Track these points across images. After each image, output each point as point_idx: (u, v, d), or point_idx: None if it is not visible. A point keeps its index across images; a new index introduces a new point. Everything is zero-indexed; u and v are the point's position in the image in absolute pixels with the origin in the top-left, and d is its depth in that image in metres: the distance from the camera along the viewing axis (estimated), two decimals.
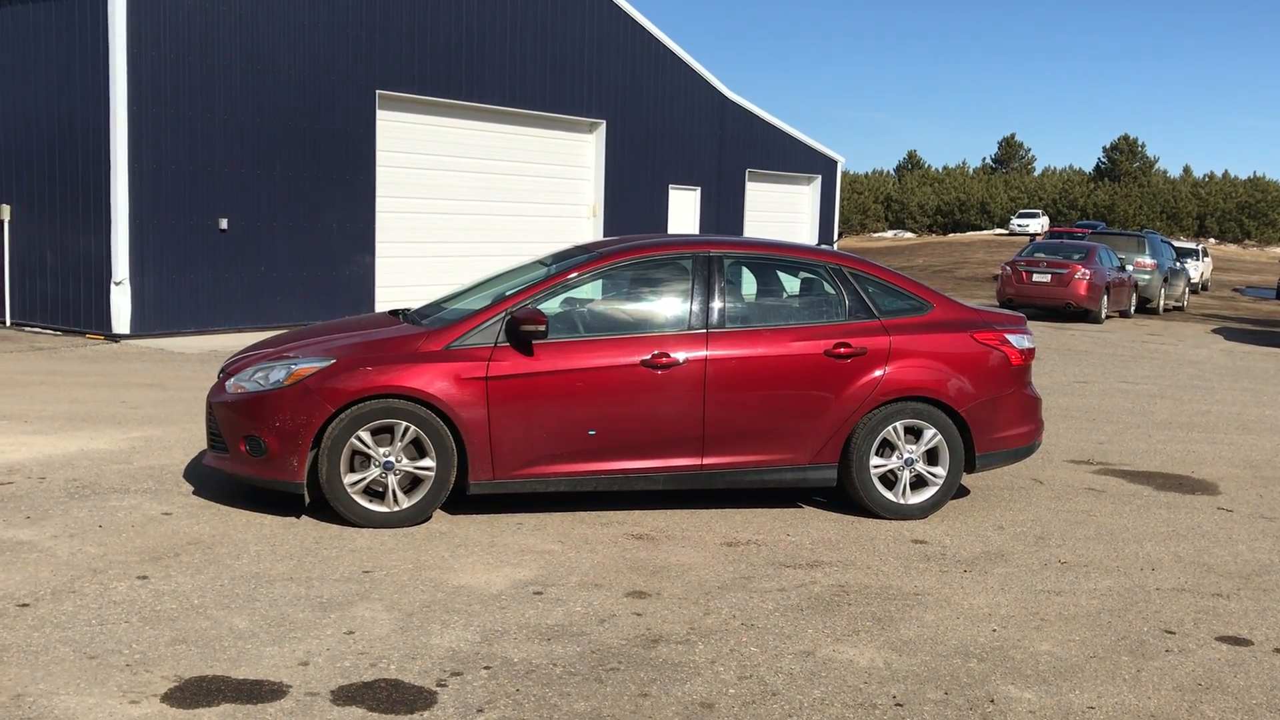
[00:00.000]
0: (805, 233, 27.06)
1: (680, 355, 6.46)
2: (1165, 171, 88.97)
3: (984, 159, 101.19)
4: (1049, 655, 4.72)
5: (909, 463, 6.79)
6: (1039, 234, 59.79)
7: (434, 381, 6.12)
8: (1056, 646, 4.82)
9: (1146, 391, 12.90)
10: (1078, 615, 5.23)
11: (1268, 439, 10.11)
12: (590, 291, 6.85)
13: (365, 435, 6.09)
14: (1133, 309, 24.44)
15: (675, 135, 22.39)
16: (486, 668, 4.34)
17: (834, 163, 27.30)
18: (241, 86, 14.69)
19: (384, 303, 16.75)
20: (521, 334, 6.22)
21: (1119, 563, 6.11)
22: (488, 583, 5.33)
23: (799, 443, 6.66)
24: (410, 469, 6.16)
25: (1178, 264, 28.54)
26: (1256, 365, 16.58)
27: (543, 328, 6.21)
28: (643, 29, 21.18)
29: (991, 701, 4.23)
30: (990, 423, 6.93)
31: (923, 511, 6.83)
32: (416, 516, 6.21)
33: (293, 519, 6.24)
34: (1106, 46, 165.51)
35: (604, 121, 20.42)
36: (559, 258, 7.32)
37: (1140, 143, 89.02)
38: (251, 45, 14.75)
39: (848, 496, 6.90)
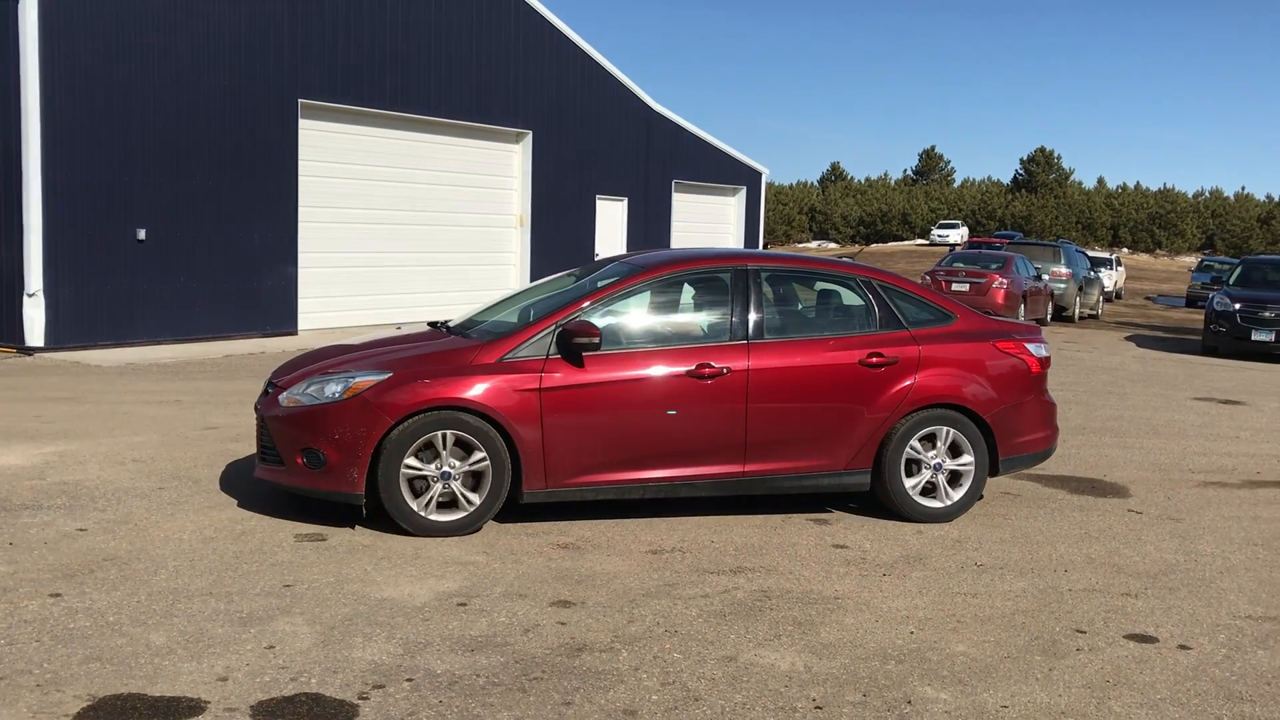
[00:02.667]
0: (731, 243, 27.29)
1: (723, 366, 6.65)
2: (1080, 183, 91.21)
3: (905, 171, 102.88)
4: (965, 656, 4.83)
5: (938, 468, 7.03)
6: (959, 244, 60.90)
7: (490, 393, 6.23)
8: (972, 647, 4.94)
9: (1061, 398, 13.21)
10: (993, 616, 5.36)
11: (1176, 443, 10.43)
12: (633, 305, 6.93)
13: (423, 445, 6.19)
14: (1049, 317, 25.02)
15: (602, 146, 22.47)
16: (409, 680, 4.32)
17: (758, 174, 27.59)
18: (159, 95, 14.43)
19: (308, 314, 16.58)
20: (574, 346, 6.37)
21: (1033, 564, 6.27)
22: (411, 595, 5.30)
23: (835, 449, 6.88)
24: (469, 468, 6.26)
25: (1092, 273, 29.31)
26: (1167, 371, 17.09)
27: (596, 340, 6.38)
28: (569, 40, 21.24)
29: (909, 703, 4.32)
30: (1012, 428, 7.21)
31: (952, 514, 7.09)
32: (473, 524, 6.34)
33: (211, 534, 6.15)
34: (1024, 60, 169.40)
35: (530, 132, 20.42)
36: (590, 271, 7.56)
37: (1056, 155, 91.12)
38: (169, 53, 14.51)
39: (878, 502, 7.16)
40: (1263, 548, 6.86)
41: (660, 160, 24.26)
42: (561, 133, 21.22)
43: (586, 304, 6.65)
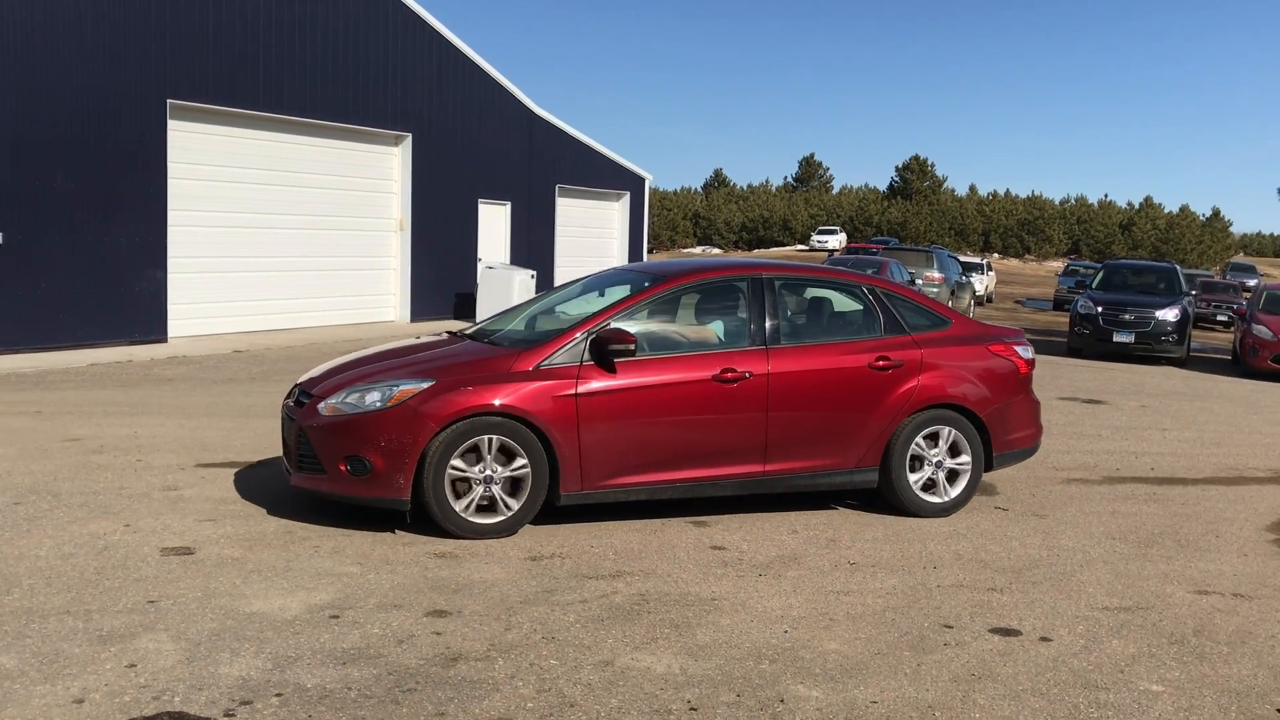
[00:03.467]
0: (616, 248, 27.39)
1: (745, 370, 6.95)
2: (953, 190, 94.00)
3: (786, 177, 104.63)
4: (837, 654, 4.92)
5: (939, 465, 7.47)
6: (837, 249, 62.22)
7: (529, 399, 6.45)
8: (844, 645, 5.04)
9: None
10: (864, 614, 5.48)
11: (1042, 441, 10.79)
12: (658, 313, 7.21)
13: (466, 453, 6.36)
14: None
15: (484, 150, 22.31)
16: (278, 695, 4.22)
17: (642, 180, 27.73)
18: (15, 93, 13.82)
19: (180, 320, 16.05)
20: (609, 352, 6.62)
21: (904, 562, 6.43)
22: (282, 608, 5.18)
23: (846, 449, 7.26)
24: (510, 474, 6.46)
25: (964, 277, 30.23)
26: (1034, 372, 17.67)
27: (632, 346, 6.63)
28: (448, 43, 21.03)
29: (781, 701, 4.38)
30: (1005, 426, 7.71)
31: (953, 508, 7.53)
32: (513, 527, 6.53)
33: (71, 550, 5.91)
34: (900, 70, 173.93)
35: (410, 135, 20.16)
36: (604, 282, 7.98)
37: (930, 163, 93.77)
38: (25, 49, 13.90)
39: (883, 498, 7.56)
40: (1120, 541, 7.16)
41: (544, 165, 24.20)
42: (442, 136, 21.00)
43: (617, 312, 6.91)
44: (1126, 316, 20.22)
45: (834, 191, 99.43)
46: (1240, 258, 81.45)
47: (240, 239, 17.28)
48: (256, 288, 17.64)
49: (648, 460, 6.75)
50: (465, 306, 21.60)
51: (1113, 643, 5.24)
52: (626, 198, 27.33)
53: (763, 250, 78.01)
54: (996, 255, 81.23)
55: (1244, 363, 19.34)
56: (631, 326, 6.90)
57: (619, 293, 7.43)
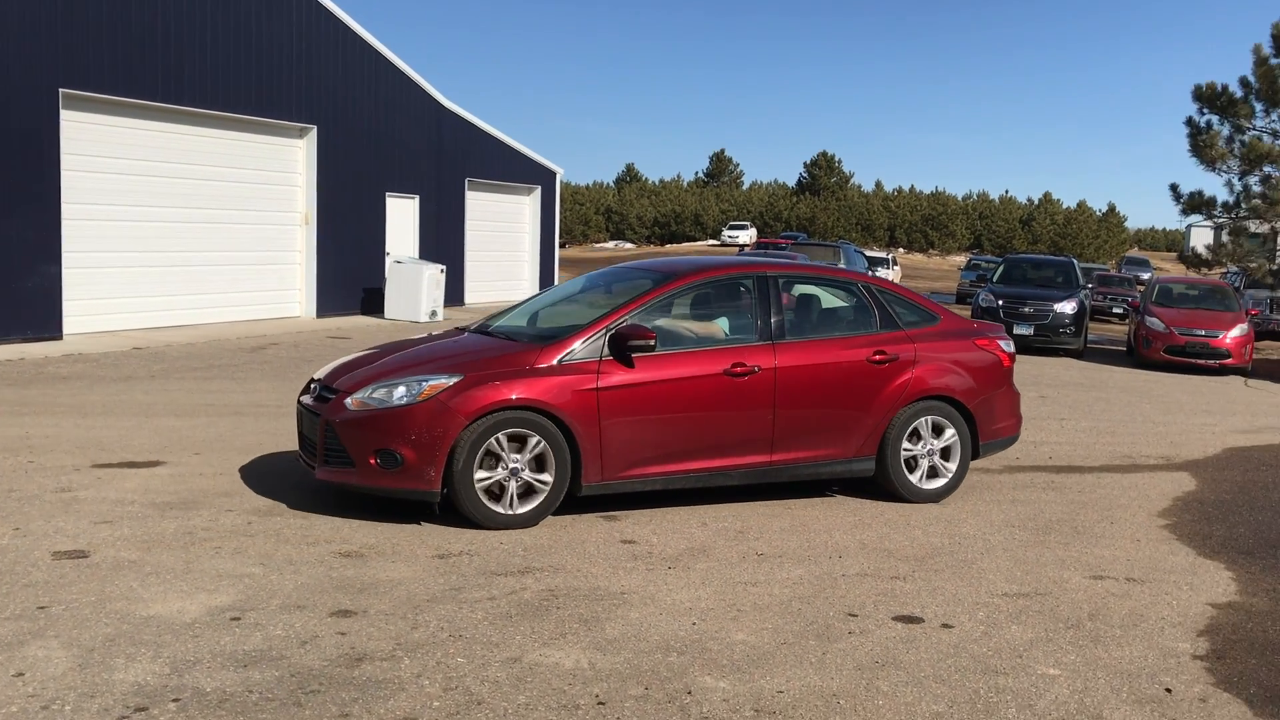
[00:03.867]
0: (527, 243, 27.27)
1: (754, 365, 7.25)
2: (860, 186, 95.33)
3: (697, 173, 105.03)
4: (744, 644, 4.97)
5: (931, 453, 7.88)
6: (748, 245, 62.73)
7: (554, 393, 6.66)
8: (751, 635, 5.08)
9: None
10: (771, 604, 5.54)
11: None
12: (670, 310, 7.46)
13: (495, 443, 6.54)
14: None
15: (392, 142, 22.01)
16: (175, 700, 4.11)
17: (553, 174, 27.64)
18: None
19: (76, 317, 15.54)
20: (629, 348, 6.85)
21: (810, 552, 6.51)
22: (180, 611, 5.05)
23: (846, 439, 7.61)
24: (533, 464, 6.66)
25: (870, 272, 30.71)
26: None
27: (652, 342, 6.88)
28: (354, 34, 20.70)
29: (689, 693, 4.40)
30: (990, 416, 8.12)
31: (944, 493, 7.96)
32: (537, 518, 6.73)
33: None
34: (809, 68, 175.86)
35: (315, 127, 19.80)
36: (610, 279, 8.28)
37: (837, 159, 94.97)
38: None
39: (879, 486, 7.92)
40: (1020, 529, 7.34)
41: (453, 158, 23.97)
42: (348, 128, 20.67)
43: (632, 309, 7.12)
44: (1026, 309, 20.76)
45: (744, 187, 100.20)
46: (1135, 252, 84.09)
47: (140, 233, 16.80)
48: (157, 283, 17.17)
49: (663, 452, 7.01)
50: (373, 302, 21.30)
51: (1012, 628, 5.37)
52: (538, 192, 27.22)
53: (675, 246, 78.35)
54: (902, 250, 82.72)
55: (1138, 354, 19.98)
56: (646, 323, 7.12)
57: (625, 290, 7.70)
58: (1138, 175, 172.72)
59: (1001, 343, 8.36)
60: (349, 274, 20.93)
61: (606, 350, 6.88)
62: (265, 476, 7.74)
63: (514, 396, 6.55)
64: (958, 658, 4.94)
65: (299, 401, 7.25)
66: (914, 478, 7.83)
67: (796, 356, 7.43)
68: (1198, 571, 6.56)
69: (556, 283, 28.36)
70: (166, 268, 17.33)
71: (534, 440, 6.61)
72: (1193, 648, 5.24)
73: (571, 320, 7.31)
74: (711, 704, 4.31)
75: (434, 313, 20.68)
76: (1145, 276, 36.05)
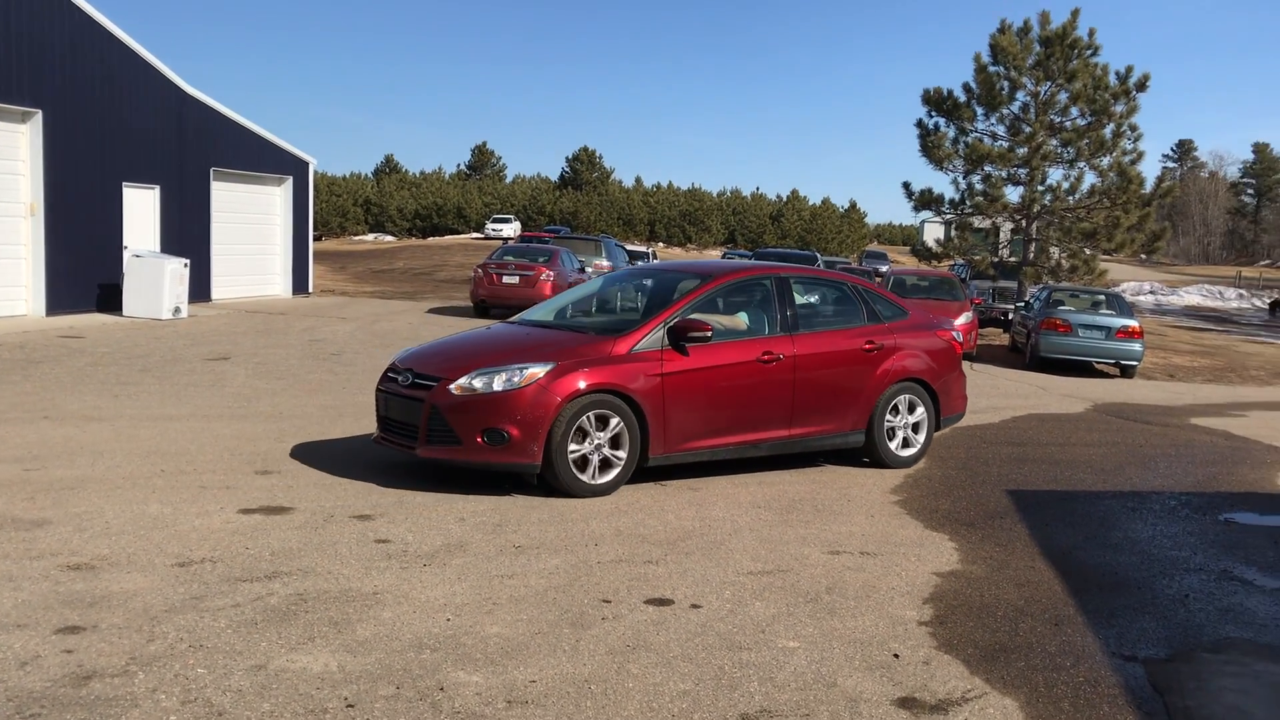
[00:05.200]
0: (279, 236, 26.24)
1: (779, 353, 8.50)
2: (620, 181, 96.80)
3: (459, 165, 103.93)
4: (498, 637, 4.98)
5: (906, 426, 9.35)
6: (512, 238, 62.64)
7: (630, 378, 7.78)
8: (506, 628, 5.11)
9: None
10: (527, 595, 5.58)
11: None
12: (709, 306, 8.55)
13: (584, 422, 7.58)
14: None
15: (129, 130, 20.69)
16: None
17: (306, 164, 26.71)
18: None
19: None
20: (687, 339, 8.02)
21: (567, 542, 6.59)
22: None
23: (844, 415, 8.96)
24: (614, 441, 7.73)
25: (631, 265, 31.26)
26: None
27: (709, 334, 8.05)
28: (84, 14, 19.32)
29: (441, 689, 4.38)
30: (948, 395, 9.66)
31: (916, 459, 9.49)
32: (616, 485, 7.81)
33: None
34: (570, 63, 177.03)
35: (40, 111, 18.36)
36: (637, 276, 10.11)
37: (599, 155, 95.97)
38: None
39: (864, 455, 9.32)
40: (765, 509, 7.68)
41: (197, 147, 22.78)
42: (79, 113, 19.27)
43: (682, 306, 8.26)
44: None
45: (507, 180, 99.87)
46: (874, 246, 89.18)
47: None
48: None
49: (710, 427, 8.17)
50: (111, 298, 19.98)
51: (756, 605, 5.62)
52: (290, 182, 26.23)
53: (438, 239, 77.17)
54: (661, 244, 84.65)
55: None
56: (697, 317, 8.20)
57: (668, 289, 8.85)
58: (877, 174, 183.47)
59: (954, 333, 9.90)
60: (82, 269, 19.54)
61: (666, 341, 7.99)
62: None
63: (599, 382, 7.62)
64: (705, 636, 5.13)
65: (380, 389, 8.19)
66: (894, 447, 9.28)
67: (809, 346, 8.72)
68: (925, 543, 7.06)
69: (312, 278, 27.44)
70: None
71: (614, 420, 7.68)
72: (919, 615, 5.63)
73: (611, 315, 8.87)
74: (464, 698, 4.31)
75: (178, 309, 19.61)
76: (883, 269, 38.29)
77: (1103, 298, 22.01)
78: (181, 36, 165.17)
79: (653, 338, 8.00)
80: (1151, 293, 57.53)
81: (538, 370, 7.55)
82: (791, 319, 8.76)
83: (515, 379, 7.52)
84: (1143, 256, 61.79)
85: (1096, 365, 20.68)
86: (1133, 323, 19.90)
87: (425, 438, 7.65)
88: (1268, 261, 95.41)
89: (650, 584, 5.87)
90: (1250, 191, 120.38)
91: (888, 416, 9.22)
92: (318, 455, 8.63)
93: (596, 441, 7.64)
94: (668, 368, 7.93)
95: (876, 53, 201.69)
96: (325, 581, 5.65)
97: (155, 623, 4.94)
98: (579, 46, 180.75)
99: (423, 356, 8.25)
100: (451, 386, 7.58)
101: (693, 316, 8.16)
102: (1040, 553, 6.99)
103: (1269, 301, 52.40)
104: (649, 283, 9.48)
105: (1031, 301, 22.87)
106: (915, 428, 9.43)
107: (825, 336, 8.93)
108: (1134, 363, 19.81)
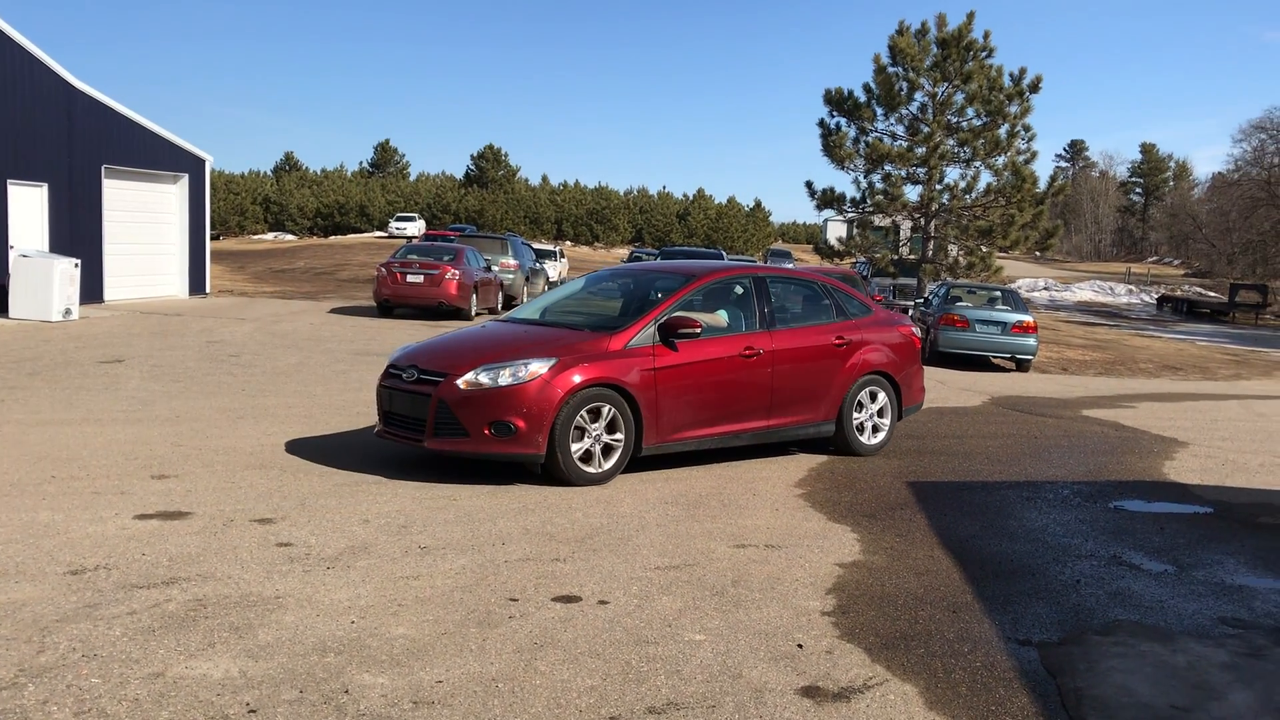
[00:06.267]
0: (175, 235, 25.57)
1: (759, 348, 8.98)
2: (526, 180, 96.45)
3: (361, 163, 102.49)
4: (404, 638, 4.94)
5: (872, 416, 9.96)
6: (416, 236, 61.94)
7: (626, 372, 8.18)
8: (411, 629, 5.06)
9: None
10: (433, 596, 5.54)
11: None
12: (694, 304, 8.99)
13: (583, 414, 8.00)
14: (500, 306, 26.24)
15: (13, 126, 19.98)
16: None
17: (202, 161, 26.08)
18: None
19: None
20: (677, 335, 8.44)
21: (474, 541, 6.56)
22: None
23: (817, 407, 9.53)
24: (610, 433, 8.17)
25: (538, 264, 31.19)
26: None
27: (699, 330, 8.50)
28: None
29: (346, 692, 4.33)
30: (909, 387, 10.30)
31: (881, 447, 10.07)
32: (612, 475, 8.22)
33: None
34: (474, 60, 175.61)
35: None
36: (621, 276, 10.25)
37: (504, 153, 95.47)
38: None
39: (834, 444, 9.92)
40: (672, 505, 7.73)
41: (87, 144, 22.08)
42: None
43: (670, 304, 8.70)
44: None
45: (411, 178, 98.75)
46: (778, 245, 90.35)
47: None
48: None
49: (698, 418, 8.61)
50: None
51: (663, 599, 5.66)
52: (185, 180, 25.58)
53: (340, 238, 75.94)
54: (569, 243, 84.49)
55: None
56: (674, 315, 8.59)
57: (651, 288, 9.25)
58: (781, 173, 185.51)
59: (914, 329, 10.52)
60: None
61: (657, 337, 8.40)
62: None
63: (600, 376, 8.01)
64: (612, 632, 5.15)
65: (382, 385, 8.50)
66: (862, 437, 9.88)
67: (785, 341, 9.22)
68: (828, 535, 7.18)
69: (210, 278, 26.79)
70: None
71: (611, 412, 8.08)
72: (822, 605, 5.74)
73: (597, 312, 9.30)
74: (369, 700, 4.27)
75: (68, 311, 18.99)
76: (788, 266, 38.79)
77: (999, 294, 22.61)
78: (70, 29, 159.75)
79: (645, 334, 8.40)
80: (1046, 289, 59.24)
81: (541, 366, 7.92)
82: (769, 316, 9.25)
83: (520, 374, 7.87)
84: (1037, 253, 63.71)
85: (993, 360, 21.24)
86: (1028, 318, 20.49)
87: (433, 430, 7.96)
88: (1155, 258, 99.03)
89: (558, 581, 5.87)
90: (1139, 190, 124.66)
91: (855, 407, 9.78)
92: (217, 459, 8.45)
93: (596, 433, 8.05)
94: (659, 362, 8.34)
95: (781, 51, 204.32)
96: (225, 586, 5.53)
97: (46, 633, 4.79)
98: (483, 43, 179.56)
99: (425, 354, 8.51)
100: (459, 381, 7.91)
101: (681, 314, 8.60)
102: (939, 542, 7.16)
103: (1157, 297, 54.41)
104: (632, 283, 9.87)
105: (930, 298, 23.40)
106: (880, 416, 10.02)
107: (799, 333, 9.43)
108: (1029, 357, 20.39)
